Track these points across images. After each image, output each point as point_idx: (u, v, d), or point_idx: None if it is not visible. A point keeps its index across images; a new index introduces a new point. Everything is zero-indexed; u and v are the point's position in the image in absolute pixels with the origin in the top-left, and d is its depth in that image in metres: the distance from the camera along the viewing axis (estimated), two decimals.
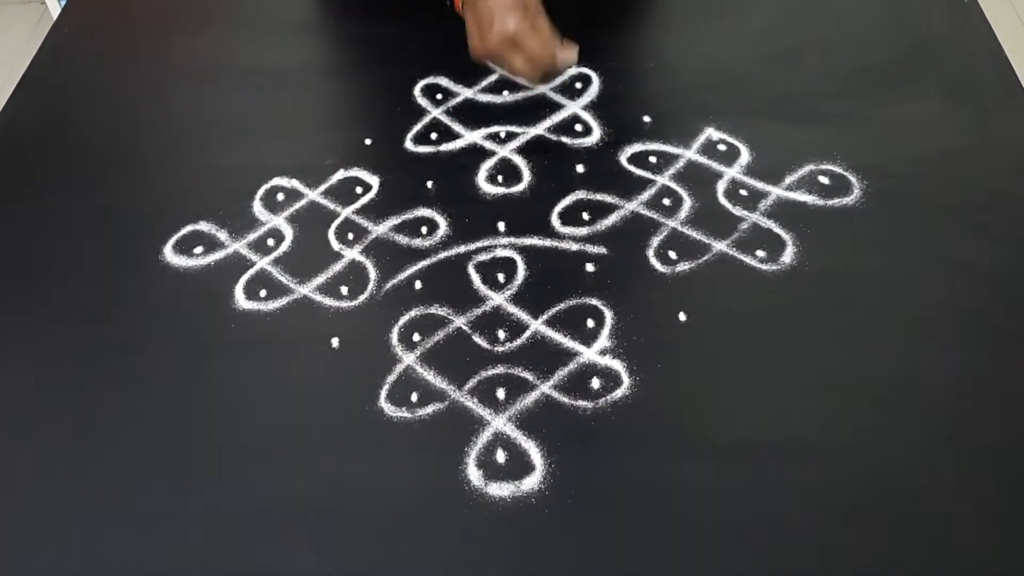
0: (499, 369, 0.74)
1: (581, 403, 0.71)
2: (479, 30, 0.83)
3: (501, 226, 0.84)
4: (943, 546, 0.64)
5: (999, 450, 0.68)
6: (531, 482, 0.67)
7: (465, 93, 0.96)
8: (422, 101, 0.95)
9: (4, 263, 0.85)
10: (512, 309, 0.78)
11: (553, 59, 0.84)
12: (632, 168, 0.88)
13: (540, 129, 0.92)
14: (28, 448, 0.72)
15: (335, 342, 0.76)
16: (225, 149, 0.93)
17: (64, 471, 0.71)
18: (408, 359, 0.75)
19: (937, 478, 0.67)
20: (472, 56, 0.85)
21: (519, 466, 0.68)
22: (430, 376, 0.74)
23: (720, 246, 0.81)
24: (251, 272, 0.82)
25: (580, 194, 0.86)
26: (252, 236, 0.85)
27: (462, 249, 0.82)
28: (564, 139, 0.91)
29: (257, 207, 0.87)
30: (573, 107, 0.94)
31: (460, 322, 0.77)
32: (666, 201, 0.85)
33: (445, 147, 0.91)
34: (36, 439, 0.73)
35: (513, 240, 0.83)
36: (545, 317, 0.77)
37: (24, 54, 1.10)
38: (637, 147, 0.89)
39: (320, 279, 0.81)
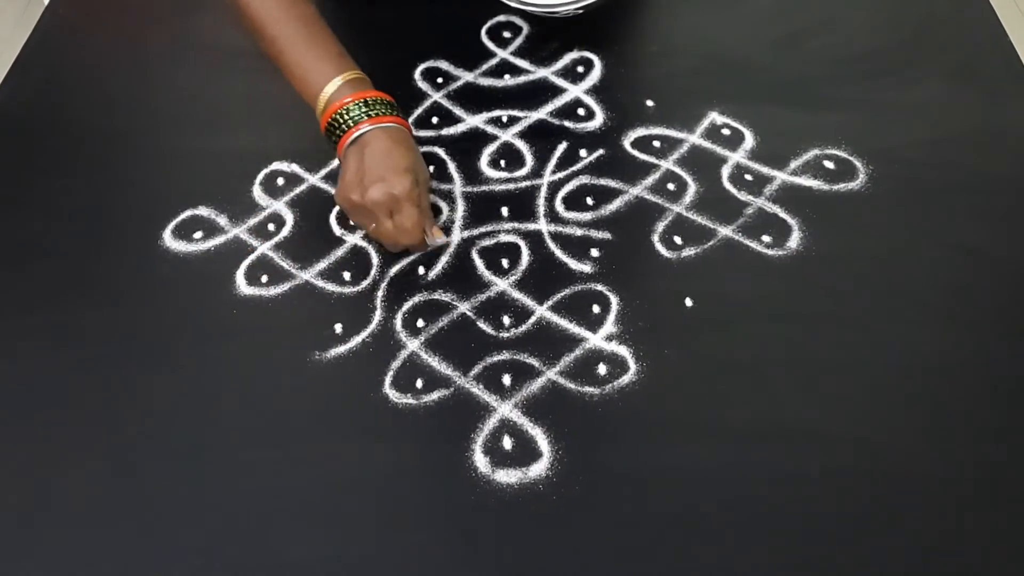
0: (505, 355, 0.73)
1: (588, 389, 0.71)
2: (359, 182, 0.75)
3: (504, 211, 0.83)
4: (948, 533, 0.64)
5: (1005, 436, 0.68)
6: (538, 468, 0.67)
7: (466, 77, 0.95)
8: (422, 85, 0.94)
9: (0, 249, 0.84)
10: (517, 295, 0.77)
11: (421, 238, 0.78)
12: (636, 153, 0.87)
13: (542, 113, 0.91)
14: (25, 435, 0.72)
15: (338, 328, 0.76)
16: (224, 133, 0.92)
17: (62, 458, 0.70)
18: (413, 345, 0.74)
19: (941, 464, 0.66)
20: (337, 201, 0.78)
21: (526, 452, 0.68)
22: (435, 362, 0.73)
23: (725, 231, 0.80)
24: (252, 257, 0.81)
25: (584, 179, 0.85)
26: (252, 221, 0.84)
27: (465, 234, 0.82)
28: (567, 123, 0.90)
29: (257, 192, 0.86)
30: (575, 91, 0.93)
31: (465, 308, 0.76)
32: (670, 186, 0.84)
33: (446, 131, 0.90)
34: (33, 426, 0.72)
35: (517, 225, 0.82)
36: (550, 303, 0.76)
37: (13, 38, 1.09)
38: (640, 131, 0.89)
39: (322, 264, 0.80)
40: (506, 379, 0.72)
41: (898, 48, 0.95)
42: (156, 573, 0.64)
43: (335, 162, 0.88)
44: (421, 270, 0.79)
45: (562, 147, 0.88)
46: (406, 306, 0.77)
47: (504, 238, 0.81)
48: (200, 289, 0.79)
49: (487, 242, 0.81)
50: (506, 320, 0.75)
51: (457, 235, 0.82)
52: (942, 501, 0.65)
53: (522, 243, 0.81)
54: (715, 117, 0.89)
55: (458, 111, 0.92)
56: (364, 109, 0.78)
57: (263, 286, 0.79)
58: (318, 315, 0.76)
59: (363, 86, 0.80)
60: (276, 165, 0.88)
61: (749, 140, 0.87)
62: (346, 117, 0.78)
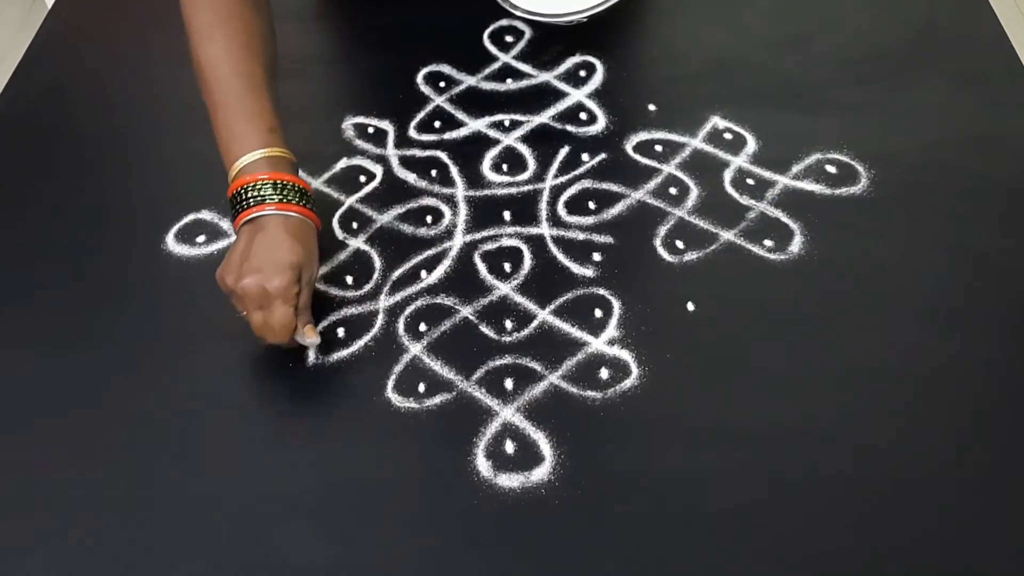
0: (507, 359, 0.73)
1: (590, 393, 0.71)
2: (239, 267, 0.71)
3: (507, 215, 0.83)
4: (948, 536, 0.63)
5: (1006, 440, 0.68)
6: (540, 473, 0.67)
7: (468, 81, 0.95)
8: (425, 89, 0.94)
9: (3, 253, 0.84)
10: (519, 299, 0.77)
11: (289, 338, 0.72)
12: (638, 157, 0.87)
13: (544, 117, 0.91)
14: (27, 438, 0.72)
15: (340, 332, 0.76)
16: None
17: (64, 461, 0.70)
18: (415, 349, 0.74)
19: (947, 467, 0.66)
20: (218, 278, 0.73)
21: (528, 457, 0.68)
22: (437, 366, 0.73)
23: (728, 235, 0.80)
24: None
25: (586, 183, 0.85)
26: None
27: (468, 238, 0.82)
28: (569, 127, 0.90)
29: None
30: (578, 95, 0.93)
31: (467, 312, 0.77)
32: (672, 190, 0.84)
33: (449, 135, 0.90)
34: (36, 429, 0.72)
35: (519, 229, 0.82)
36: (552, 307, 0.76)
37: (16, 41, 1.09)
38: (643, 135, 0.89)
39: (324, 268, 0.80)
40: (508, 383, 0.72)
41: (899, 52, 0.95)
42: None
43: (337, 166, 0.88)
44: (424, 274, 0.79)
45: (564, 151, 0.88)
46: (408, 310, 0.77)
47: (506, 242, 0.81)
48: (203, 293, 0.79)
49: (489, 246, 0.81)
50: (508, 324, 0.76)
51: (460, 239, 0.82)
52: (945, 504, 0.65)
53: (524, 247, 0.81)
54: (717, 121, 0.89)
55: (460, 115, 0.92)
56: (273, 191, 0.72)
57: None
58: (321, 318, 0.76)
59: (283, 167, 0.74)
60: None
61: (751, 144, 0.87)
62: (252, 194, 0.72)
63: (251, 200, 0.72)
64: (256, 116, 0.75)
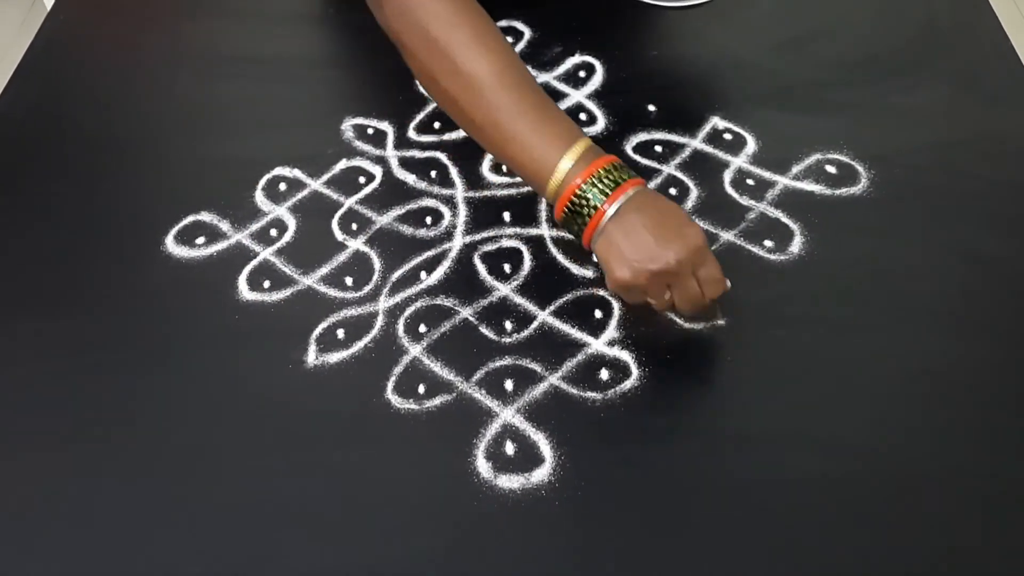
0: (507, 360, 0.73)
1: (590, 394, 0.71)
2: (651, 252, 0.67)
3: (506, 216, 0.83)
4: (949, 539, 0.63)
5: (1008, 442, 0.68)
6: (541, 474, 0.67)
7: None
8: (424, 90, 0.94)
9: (2, 256, 0.84)
10: (519, 300, 0.77)
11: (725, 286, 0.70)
12: (637, 157, 0.87)
13: None
14: (24, 443, 0.72)
15: (340, 333, 0.76)
16: (226, 139, 0.92)
17: (64, 465, 0.70)
18: (415, 350, 0.74)
19: (944, 469, 0.66)
20: (620, 284, 0.69)
21: (528, 458, 0.68)
22: (437, 367, 0.73)
23: (728, 236, 0.80)
24: (254, 263, 0.81)
25: None
26: (255, 226, 0.84)
27: (467, 239, 0.82)
28: None
29: (259, 197, 0.86)
30: (577, 96, 0.93)
31: (467, 313, 0.76)
32: (672, 191, 0.84)
33: (448, 136, 0.90)
34: (34, 433, 0.72)
35: (519, 230, 0.82)
36: (552, 308, 0.76)
37: (16, 43, 1.09)
38: (642, 136, 0.89)
39: (324, 270, 0.80)
40: (508, 384, 0.72)
41: (900, 52, 0.95)
42: None
43: (337, 167, 0.88)
44: (423, 275, 0.79)
45: None
46: (408, 311, 0.77)
47: (506, 243, 0.81)
48: (202, 294, 0.79)
49: (489, 247, 0.81)
50: (508, 325, 0.75)
51: (459, 240, 0.82)
52: (946, 506, 0.65)
53: (524, 248, 0.81)
54: (717, 122, 0.89)
55: None
56: (624, 171, 0.70)
57: (265, 291, 0.79)
58: (319, 320, 0.76)
59: (600, 150, 0.71)
60: (278, 170, 0.88)
61: (751, 145, 0.87)
62: (610, 178, 0.69)
63: (611, 185, 0.69)
64: (555, 108, 0.74)
